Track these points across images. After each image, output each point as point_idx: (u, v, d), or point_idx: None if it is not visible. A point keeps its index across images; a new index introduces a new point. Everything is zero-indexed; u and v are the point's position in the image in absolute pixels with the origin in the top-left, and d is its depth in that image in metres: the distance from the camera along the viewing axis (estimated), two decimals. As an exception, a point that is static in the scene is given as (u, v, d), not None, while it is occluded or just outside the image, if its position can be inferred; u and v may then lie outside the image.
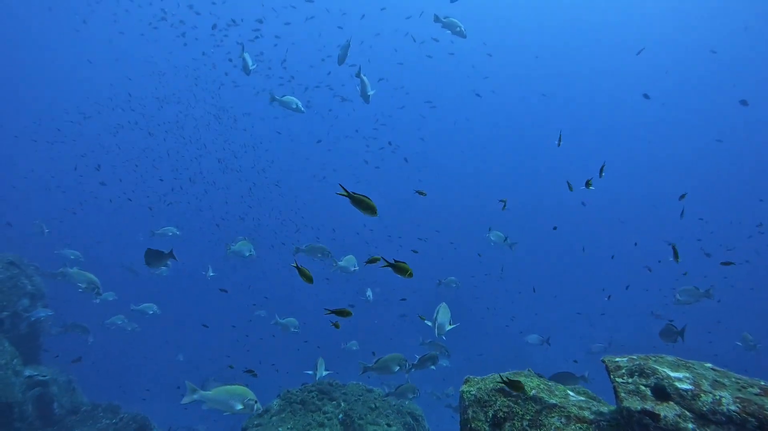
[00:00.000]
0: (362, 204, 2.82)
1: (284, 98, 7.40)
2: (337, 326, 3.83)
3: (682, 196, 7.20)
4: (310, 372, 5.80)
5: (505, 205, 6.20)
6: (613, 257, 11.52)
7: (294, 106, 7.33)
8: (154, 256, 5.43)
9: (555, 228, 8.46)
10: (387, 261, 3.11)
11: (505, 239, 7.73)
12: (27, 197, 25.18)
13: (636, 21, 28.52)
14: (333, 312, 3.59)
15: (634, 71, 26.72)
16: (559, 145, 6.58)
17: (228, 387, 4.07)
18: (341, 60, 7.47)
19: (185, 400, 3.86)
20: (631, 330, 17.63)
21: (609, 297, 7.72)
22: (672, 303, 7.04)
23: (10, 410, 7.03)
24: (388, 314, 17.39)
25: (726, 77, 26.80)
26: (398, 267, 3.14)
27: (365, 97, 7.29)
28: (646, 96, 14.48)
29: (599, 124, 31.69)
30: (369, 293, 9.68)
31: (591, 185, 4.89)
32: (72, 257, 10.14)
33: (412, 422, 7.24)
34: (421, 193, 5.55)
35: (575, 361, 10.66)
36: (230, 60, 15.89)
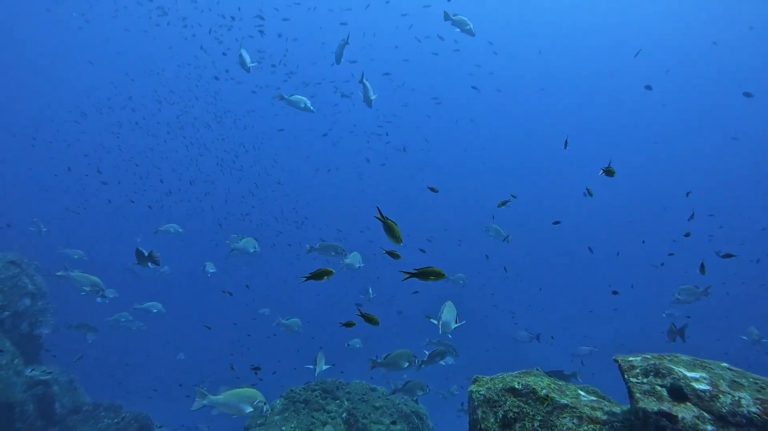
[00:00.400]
0: (391, 231, 2.89)
1: (292, 97, 7.34)
2: (351, 325, 3.76)
3: (688, 194, 7.18)
4: (310, 366, 5.75)
5: (506, 203, 6.18)
6: (618, 254, 11.47)
7: (303, 106, 7.27)
8: (140, 256, 5.64)
9: (557, 222, 8.41)
10: (408, 273, 2.96)
11: (505, 238, 7.70)
12: (27, 197, 25.14)
13: (641, 21, 28.35)
14: (362, 315, 3.56)
15: (638, 70, 26.55)
16: (565, 147, 6.65)
17: (237, 390, 4.05)
18: (338, 58, 7.46)
19: (195, 406, 3.83)
20: (636, 330, 17.56)
21: (616, 292, 7.68)
22: (671, 302, 7.06)
23: (11, 410, 6.99)
24: (388, 312, 17.37)
25: (731, 76, 26.63)
26: (423, 274, 2.97)
27: (368, 101, 7.35)
28: (648, 87, 14.42)
29: (604, 123, 31.55)
30: (370, 291, 9.63)
31: (612, 172, 4.81)
32: (76, 257, 10.09)
33: (416, 421, 7.18)
34: (433, 190, 5.53)
35: (582, 363, 10.62)
36: (224, 54, 15.75)
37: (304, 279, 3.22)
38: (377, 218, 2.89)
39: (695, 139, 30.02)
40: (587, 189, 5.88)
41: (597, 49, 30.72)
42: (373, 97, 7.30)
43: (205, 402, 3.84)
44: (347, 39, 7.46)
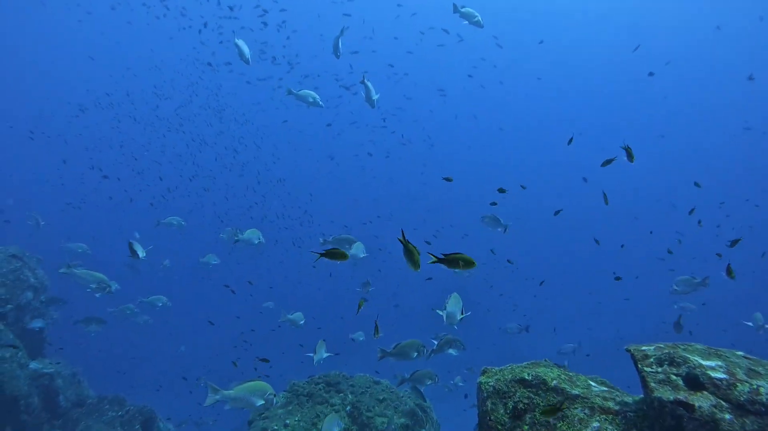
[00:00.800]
0: (411, 256, 2.85)
1: (301, 92, 7.26)
2: (361, 305, 3.83)
3: (698, 185, 7.16)
4: (311, 354, 5.74)
5: (504, 191, 6.19)
6: (623, 246, 11.42)
7: (311, 100, 7.19)
8: (131, 249, 6.08)
9: (558, 212, 8.39)
10: (436, 257, 2.74)
11: (504, 228, 7.65)
12: (28, 192, 25.09)
13: (648, 14, 27.97)
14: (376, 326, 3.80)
15: (643, 59, 26.18)
16: (569, 143, 6.65)
17: (248, 383, 4.10)
18: (336, 51, 7.38)
19: (208, 401, 3.86)
20: (637, 328, 17.56)
21: (618, 278, 7.65)
22: (670, 292, 7.08)
23: (16, 403, 6.99)
24: (389, 306, 17.39)
25: (738, 69, 26.28)
26: (451, 261, 2.77)
27: (370, 101, 7.31)
28: (651, 74, 14.38)
29: (609, 116, 31.29)
30: (369, 285, 9.64)
31: (632, 157, 4.75)
32: (79, 250, 10.04)
33: (420, 413, 7.17)
34: (447, 179, 5.53)
35: (587, 355, 10.60)
36: (221, 42, 15.54)
37: (319, 255, 3.18)
38: (399, 240, 2.82)
39: (700, 131, 29.78)
40: (604, 194, 5.88)
41: (599, 41, 30.40)
42: (375, 97, 7.25)
43: (217, 397, 3.87)
44: (342, 31, 7.38)
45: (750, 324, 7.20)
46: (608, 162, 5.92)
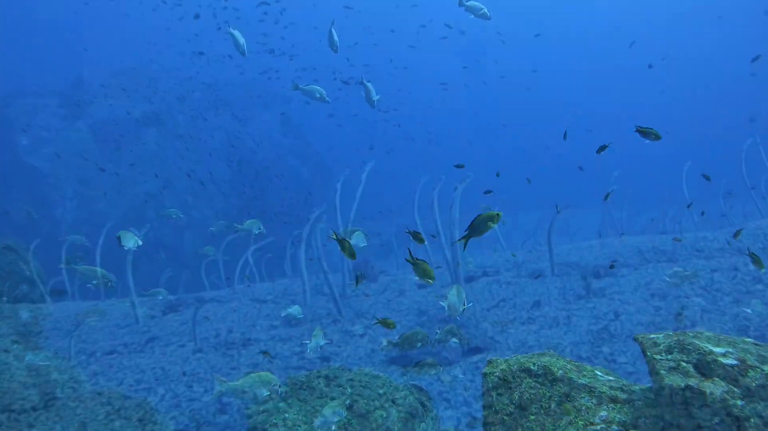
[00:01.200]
0: (424, 272, 2.92)
1: (307, 87, 7.20)
2: (359, 282, 4.02)
3: (706, 177, 7.18)
4: (307, 341, 5.73)
5: (498, 174, 6.24)
6: (623, 235, 11.44)
7: (317, 95, 7.14)
8: (119, 241, 6.41)
9: (558, 207, 8.40)
10: (465, 238, 2.72)
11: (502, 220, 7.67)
12: (26, 185, 24.91)
13: (651, 7, 27.77)
14: (379, 322, 4.03)
15: (646, 56, 26.00)
16: (564, 138, 6.68)
17: (253, 375, 4.13)
18: (332, 45, 7.32)
19: (215, 394, 3.91)
20: (637, 317, 17.55)
21: (612, 265, 7.69)
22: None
23: (13, 395, 6.93)
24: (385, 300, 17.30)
25: (740, 60, 26.10)
26: (477, 227, 2.67)
27: (370, 102, 7.28)
28: (650, 66, 14.41)
29: (612, 109, 31.19)
30: (364, 277, 9.70)
31: (656, 135, 4.69)
32: (78, 243, 10.01)
33: (420, 408, 7.14)
34: (459, 166, 5.56)
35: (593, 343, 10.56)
36: (218, 28, 15.32)
37: (335, 236, 3.20)
38: (407, 260, 2.88)
39: (703, 122, 29.67)
40: (607, 194, 5.87)
41: (601, 33, 30.24)
42: (375, 98, 7.21)
43: (223, 389, 3.89)
44: (333, 22, 7.32)
45: (749, 311, 7.22)
46: (602, 149, 5.89)
